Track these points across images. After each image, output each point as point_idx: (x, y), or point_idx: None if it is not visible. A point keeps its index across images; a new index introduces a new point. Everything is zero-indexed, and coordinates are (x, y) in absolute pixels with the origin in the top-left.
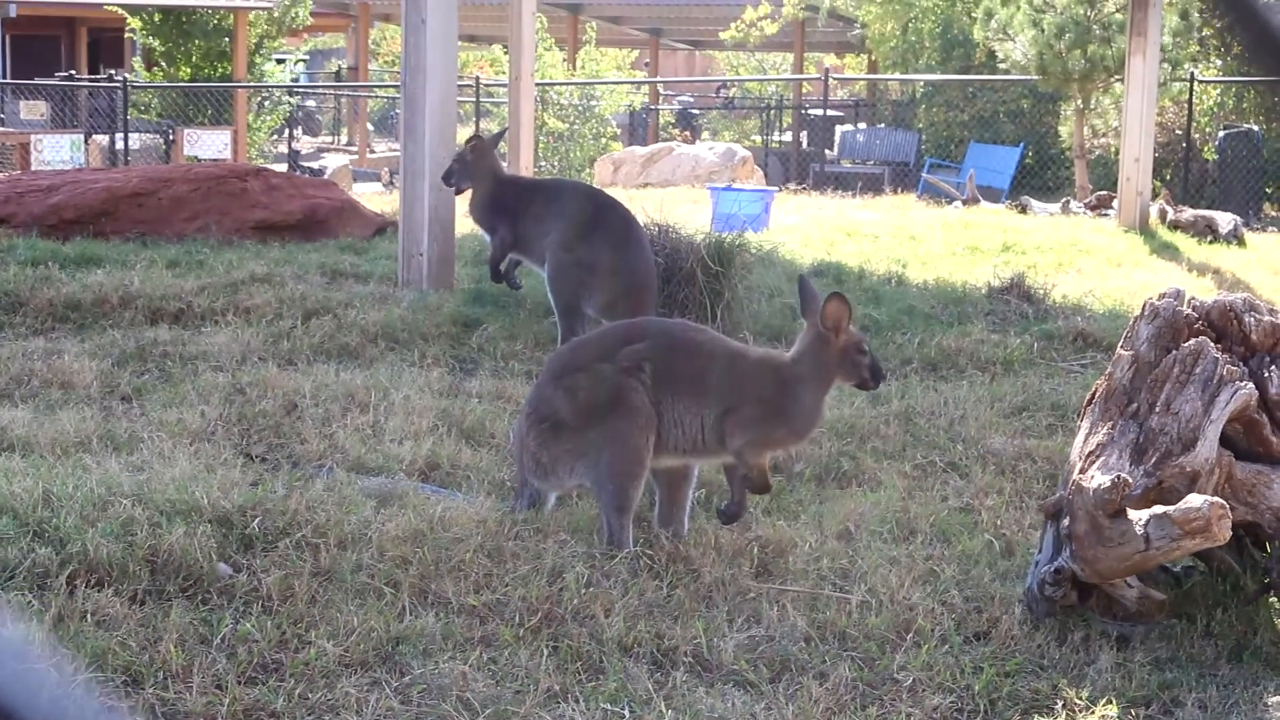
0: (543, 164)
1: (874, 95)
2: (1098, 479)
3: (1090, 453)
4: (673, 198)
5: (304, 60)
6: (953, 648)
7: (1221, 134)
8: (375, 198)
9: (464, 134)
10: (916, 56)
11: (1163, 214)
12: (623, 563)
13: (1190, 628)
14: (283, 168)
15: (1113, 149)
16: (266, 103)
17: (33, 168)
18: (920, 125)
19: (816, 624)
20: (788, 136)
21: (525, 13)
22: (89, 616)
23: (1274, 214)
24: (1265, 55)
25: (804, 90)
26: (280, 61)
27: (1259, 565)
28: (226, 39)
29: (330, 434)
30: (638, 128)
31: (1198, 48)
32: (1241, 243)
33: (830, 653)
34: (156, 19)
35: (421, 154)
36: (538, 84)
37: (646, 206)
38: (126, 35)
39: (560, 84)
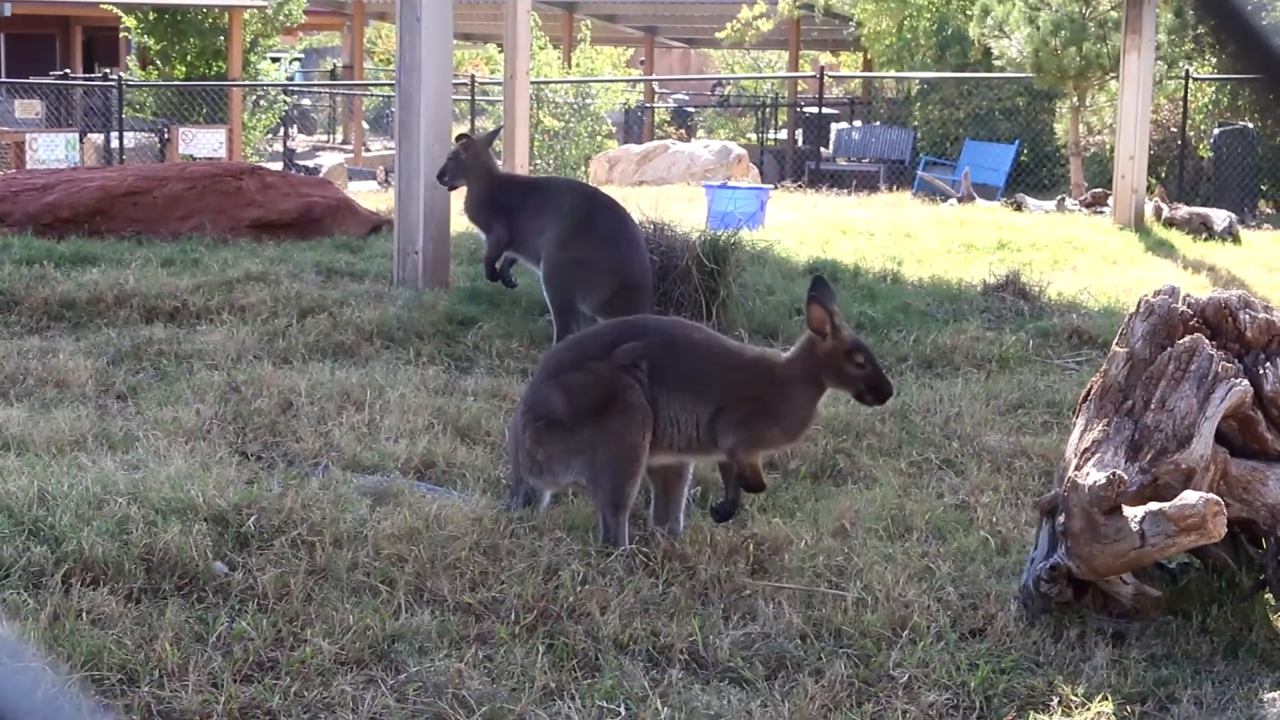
0: (538, 162)
1: (869, 93)
2: (1093, 476)
3: (1085, 449)
4: (668, 196)
5: (299, 59)
6: (948, 644)
7: (1216, 131)
8: (370, 196)
9: (459, 132)
10: (912, 54)
11: (1158, 211)
12: (618, 560)
13: (1186, 624)
14: (278, 166)
15: (1108, 146)
16: (262, 101)
17: (28, 166)
18: (915, 123)
19: (812, 621)
20: (783, 134)
21: (520, 11)
22: (84, 615)
23: (1269, 211)
24: (1250, 56)
25: (799, 88)
26: (275, 60)
27: (1254, 562)
28: (221, 37)
29: (325, 432)
30: (633, 126)
31: (1193, 45)
32: (1236, 240)
33: (826, 650)
34: (151, 17)
35: (416, 152)
36: (533, 82)
37: (642, 204)
38: (121, 34)
39: (555, 82)
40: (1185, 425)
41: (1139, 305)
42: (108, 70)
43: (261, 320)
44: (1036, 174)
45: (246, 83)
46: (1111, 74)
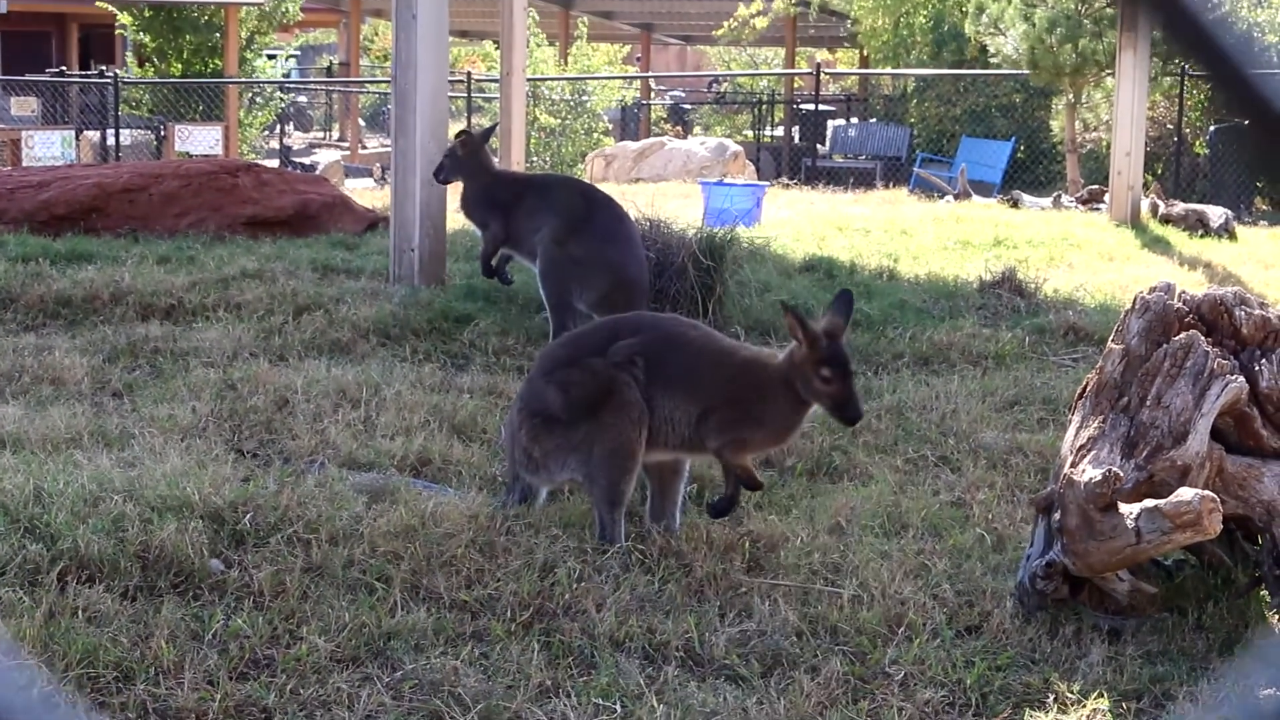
0: (534, 159)
1: (866, 90)
2: (1089, 473)
3: (1081, 447)
4: (664, 193)
5: (295, 56)
6: (944, 642)
7: (1212, 128)
8: (367, 193)
9: (455, 129)
10: (908, 51)
11: (1154, 208)
12: (614, 558)
13: (1182, 621)
14: (274, 163)
15: (1104, 143)
16: (258, 98)
17: (24, 164)
18: (912, 120)
19: (808, 618)
20: (779, 131)
21: (517, 8)
22: (80, 613)
23: (1265, 208)
24: (1198, 51)
25: (796, 85)
26: (272, 57)
27: (1250, 559)
28: (218, 34)
29: (321, 430)
30: (629, 123)
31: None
32: (1232, 236)
33: (822, 647)
34: (147, 15)
35: (413, 149)
36: (529, 79)
37: (638, 201)
38: (117, 31)
39: (552, 79)
40: (1181, 422)
41: (1135, 302)
42: (104, 67)
43: (257, 318)
44: (1033, 171)
45: (243, 80)
46: (1107, 71)
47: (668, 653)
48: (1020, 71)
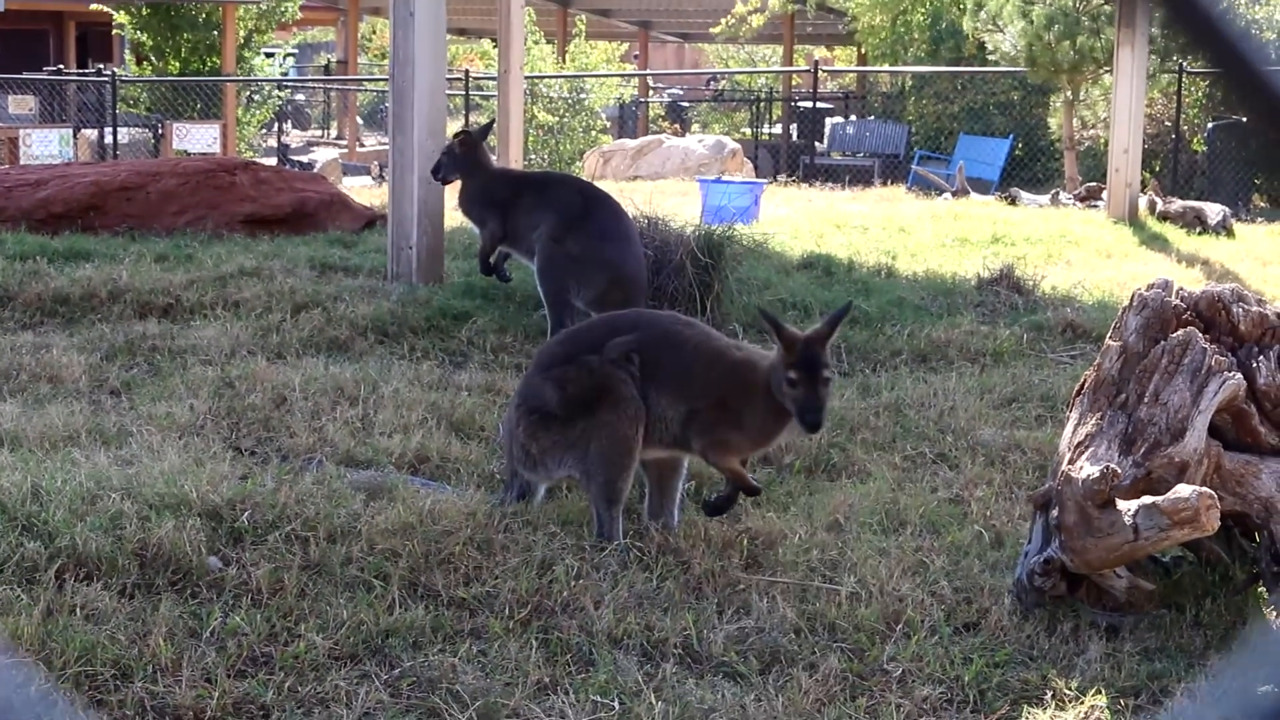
0: (532, 157)
1: (863, 87)
2: (1087, 470)
3: (1079, 443)
4: (662, 190)
5: (293, 54)
6: (942, 639)
7: (1210, 125)
8: (364, 191)
9: (453, 127)
10: (906, 49)
11: (1152, 205)
12: (612, 555)
13: (1179, 618)
14: (272, 162)
15: (1102, 140)
16: (256, 97)
17: (21, 162)
18: (910, 117)
19: (806, 615)
20: (777, 129)
21: (514, 6)
22: (78, 610)
23: (1262, 205)
24: (1204, 44)
25: (794, 83)
26: (269, 55)
27: (1247, 555)
28: (215, 33)
29: (319, 427)
30: (627, 120)
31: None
32: (1230, 234)
33: (820, 644)
34: (145, 13)
35: (410, 147)
36: (527, 77)
37: (636, 199)
38: (114, 30)
39: (550, 77)
40: (1179, 419)
41: (1132, 299)
42: (101, 65)
43: (255, 315)
44: (1031, 168)
45: (240, 78)
46: (1105, 68)
47: (666, 650)
48: (1018, 69)
